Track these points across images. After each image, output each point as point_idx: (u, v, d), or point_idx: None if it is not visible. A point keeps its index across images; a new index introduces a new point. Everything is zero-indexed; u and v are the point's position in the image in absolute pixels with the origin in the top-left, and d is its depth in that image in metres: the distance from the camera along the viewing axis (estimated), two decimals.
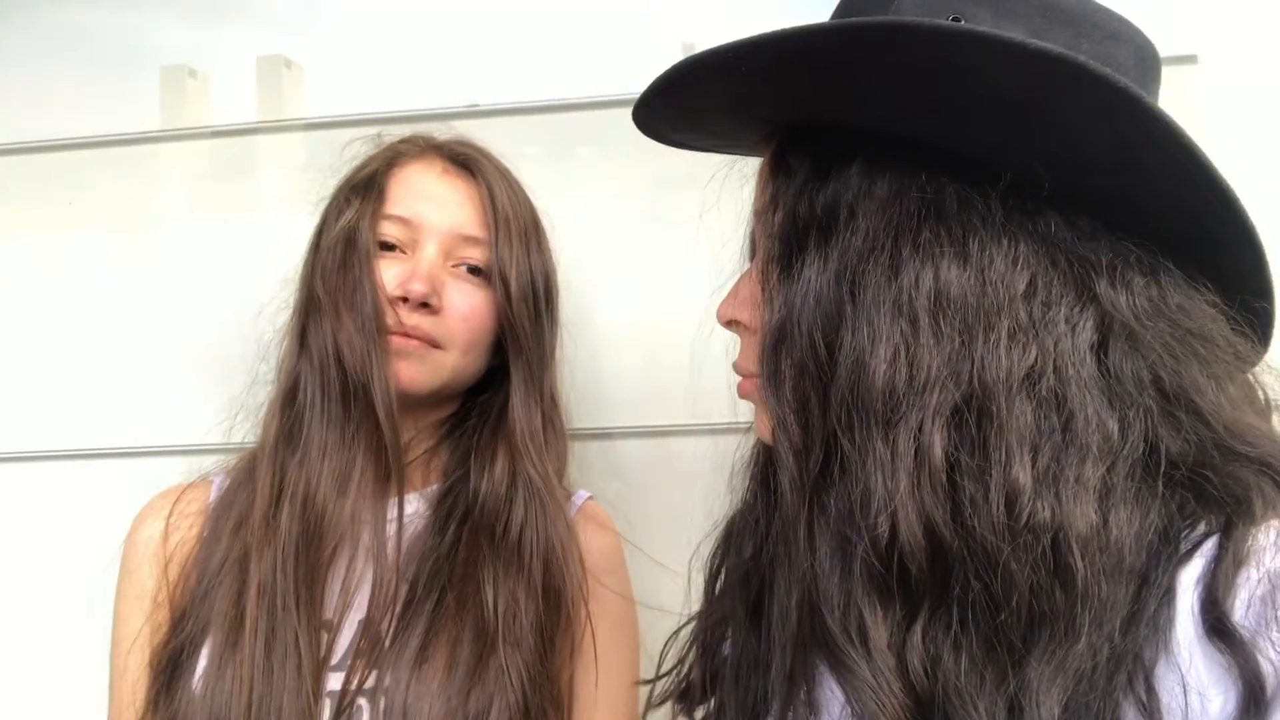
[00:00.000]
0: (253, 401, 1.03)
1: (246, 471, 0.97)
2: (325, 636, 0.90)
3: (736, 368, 0.74)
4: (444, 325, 0.94)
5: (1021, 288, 0.60)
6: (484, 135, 1.05)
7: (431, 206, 0.96)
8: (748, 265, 0.75)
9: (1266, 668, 0.52)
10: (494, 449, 0.97)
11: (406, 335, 0.93)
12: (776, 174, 0.68)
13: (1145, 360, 0.60)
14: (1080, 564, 0.56)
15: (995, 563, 0.57)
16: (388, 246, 0.95)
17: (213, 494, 0.99)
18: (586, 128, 1.21)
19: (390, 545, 0.93)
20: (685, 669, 0.81)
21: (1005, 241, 0.60)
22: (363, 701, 0.88)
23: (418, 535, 0.95)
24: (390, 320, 0.92)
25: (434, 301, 0.93)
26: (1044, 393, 0.58)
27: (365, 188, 0.98)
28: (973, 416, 0.59)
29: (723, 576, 0.81)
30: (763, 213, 0.69)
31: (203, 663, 0.89)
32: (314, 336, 0.95)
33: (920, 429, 0.59)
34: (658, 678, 0.83)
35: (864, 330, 0.61)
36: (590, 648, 0.94)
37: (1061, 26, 0.61)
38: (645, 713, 0.84)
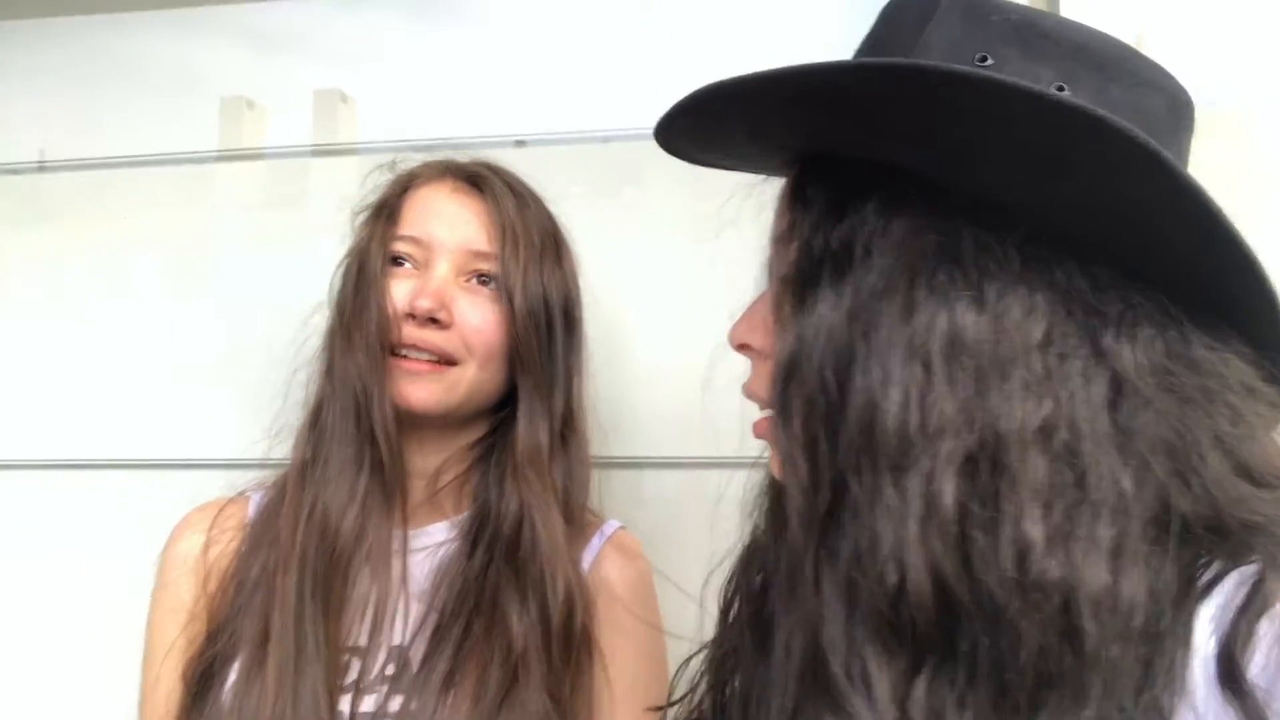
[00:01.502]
0: (292, 421, 1.04)
1: (281, 489, 0.99)
2: (348, 658, 0.91)
3: (745, 391, 0.73)
4: (456, 339, 0.95)
5: (1038, 338, 0.58)
6: (529, 169, 1.06)
7: (441, 224, 0.98)
8: (763, 290, 0.74)
9: None
10: (504, 469, 0.98)
11: (416, 352, 0.94)
12: (794, 204, 0.67)
13: (1152, 417, 0.58)
14: (1091, 626, 0.54)
15: (1003, 619, 0.55)
16: (400, 264, 0.98)
17: (251, 510, 1.01)
18: (631, 161, 1.23)
19: (396, 572, 0.94)
20: (696, 699, 0.80)
21: (1022, 289, 0.59)
22: None
23: (449, 561, 0.96)
24: (395, 337, 0.94)
25: (442, 316, 0.94)
26: (1058, 447, 0.57)
27: (379, 212, 1.01)
28: (985, 466, 0.57)
29: (735, 606, 0.80)
30: (779, 241, 0.69)
31: (233, 676, 0.90)
32: (335, 360, 0.97)
33: (931, 476, 0.57)
34: (669, 705, 0.82)
35: (875, 371, 0.59)
36: (612, 677, 0.94)
37: (1092, 71, 0.60)
38: None
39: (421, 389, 0.94)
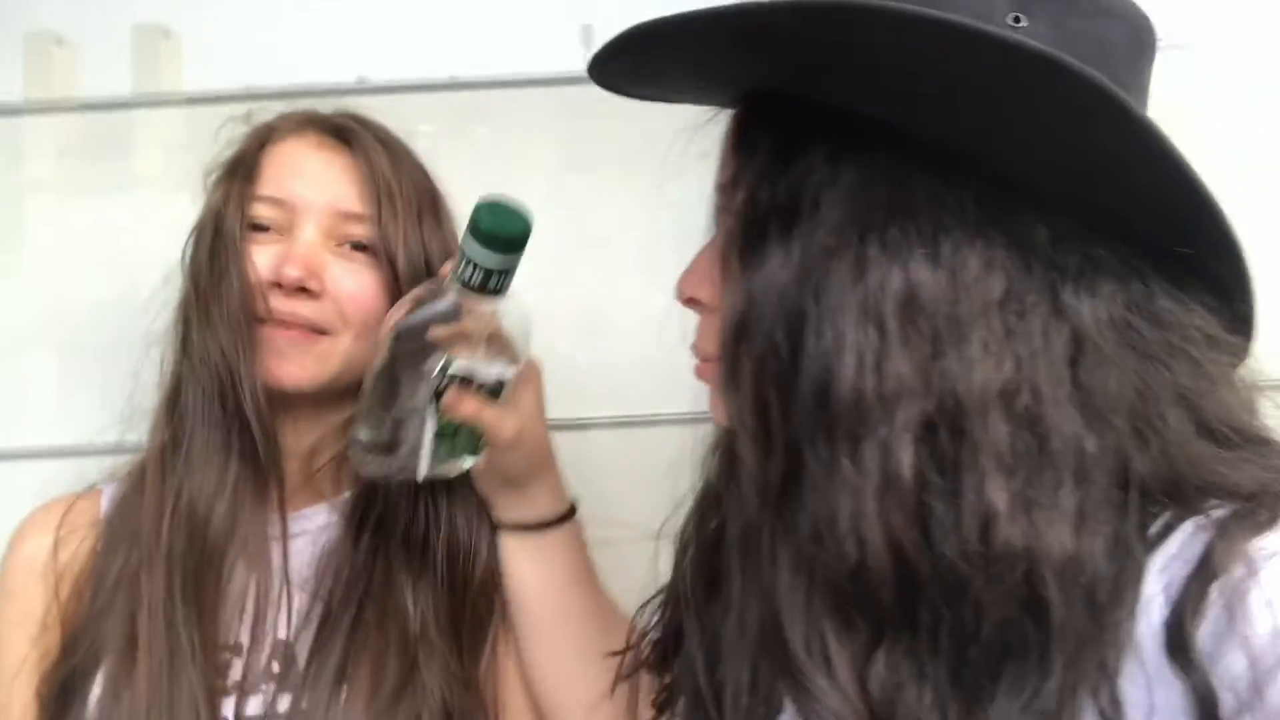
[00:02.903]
0: (133, 401, 0.95)
1: (138, 479, 0.91)
2: (228, 658, 0.85)
3: (695, 349, 0.70)
4: (329, 309, 0.87)
5: (997, 294, 0.56)
6: (376, 112, 0.97)
7: (305, 183, 0.89)
8: (710, 240, 0.70)
9: (1223, 693, 0.49)
10: None
11: (284, 326, 0.86)
12: (738, 150, 0.64)
13: (1113, 374, 0.56)
14: (1055, 596, 0.53)
15: (966, 591, 0.54)
16: (261, 229, 0.89)
17: (104, 505, 0.92)
18: (486, 107, 1.15)
19: (275, 561, 0.87)
20: (646, 646, 0.79)
21: (979, 243, 0.56)
22: None
23: (333, 547, 0.90)
24: (261, 308, 0.86)
25: (313, 285, 0.86)
26: (1019, 410, 0.55)
27: (235, 169, 0.91)
28: (944, 433, 0.55)
29: (689, 553, 0.78)
30: (724, 188, 0.66)
31: (97, 689, 0.83)
32: (192, 334, 0.89)
33: (888, 445, 0.55)
34: (626, 650, 0.81)
35: (828, 334, 0.57)
36: (513, 646, 0.90)
37: (1050, 1, 0.57)
38: (614, 686, 0.81)
39: (291, 364, 0.87)
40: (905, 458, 0.55)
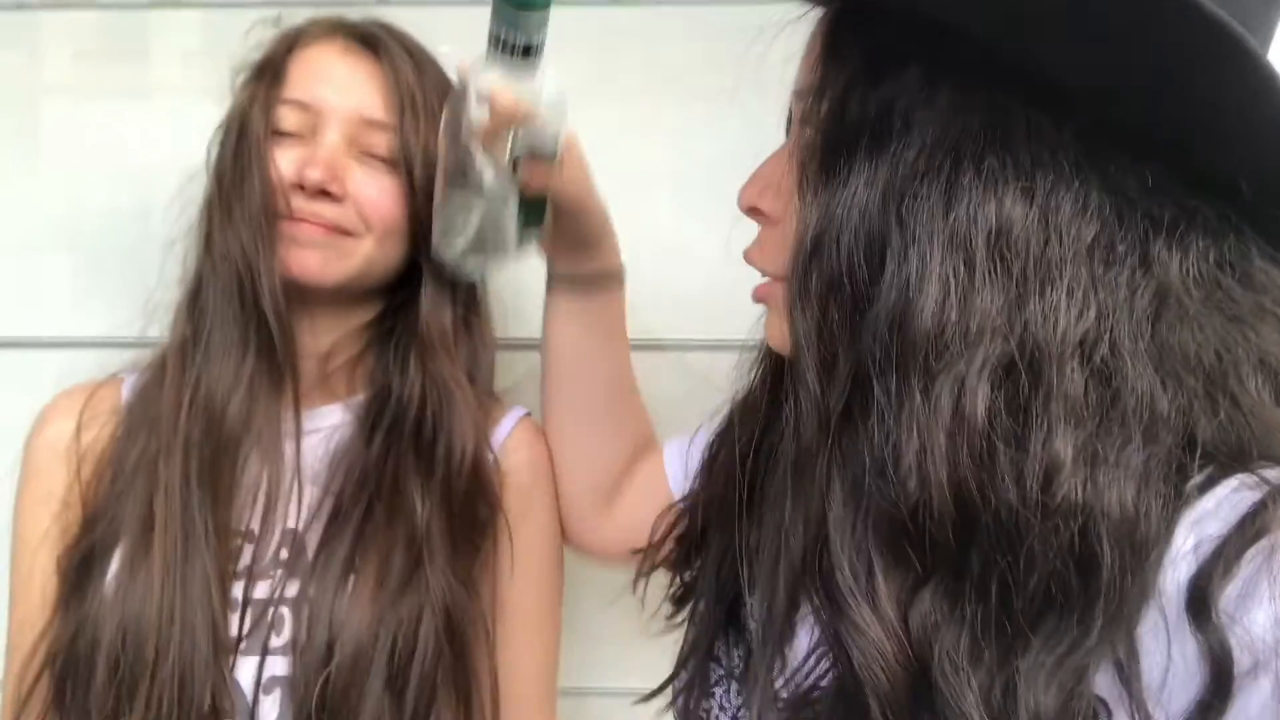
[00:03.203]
0: (154, 299, 0.97)
1: (158, 370, 0.93)
2: (239, 543, 0.88)
3: (748, 257, 0.68)
4: (350, 213, 0.89)
5: (1087, 240, 0.54)
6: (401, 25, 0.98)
7: (330, 89, 0.90)
8: (778, 149, 0.68)
9: (1239, 652, 0.49)
10: (407, 351, 0.94)
11: (305, 221, 0.88)
12: (826, 57, 0.61)
13: (1194, 333, 0.54)
14: (1108, 554, 0.51)
15: (1021, 540, 0.52)
16: (285, 133, 0.90)
17: (125, 393, 0.95)
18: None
19: (288, 455, 0.90)
20: (673, 540, 0.80)
21: (1076, 184, 0.54)
22: (285, 610, 0.87)
23: (345, 446, 0.93)
24: (283, 206, 0.88)
25: (335, 189, 0.88)
26: (1098, 361, 0.53)
27: (261, 72, 0.92)
28: (1021, 377, 0.53)
29: (720, 458, 0.78)
30: (805, 95, 0.62)
31: (115, 565, 0.86)
32: (214, 233, 0.90)
33: (964, 382, 0.53)
34: (648, 548, 0.82)
35: (913, 261, 0.54)
36: (512, 558, 0.93)
37: None
38: (636, 580, 0.84)
39: (312, 256, 0.88)
40: (980, 398, 0.53)
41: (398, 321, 0.96)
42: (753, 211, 0.67)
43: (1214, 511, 0.52)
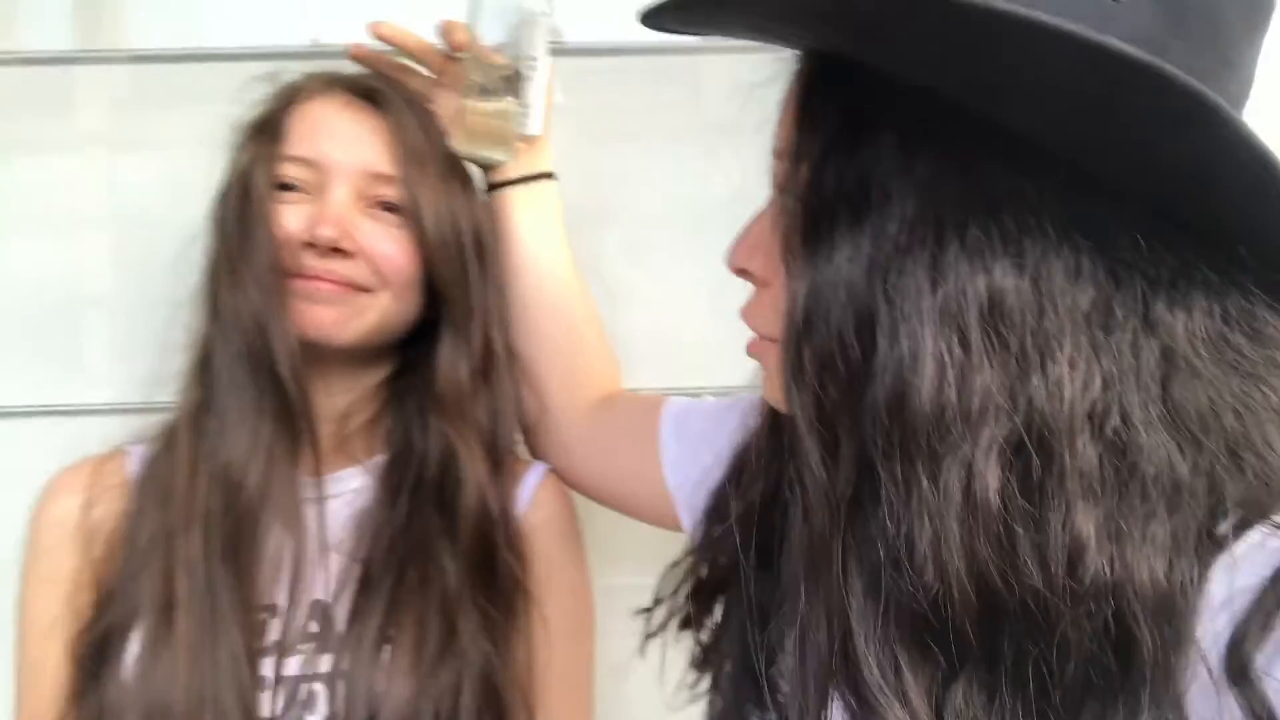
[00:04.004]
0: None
1: (168, 440, 0.90)
2: (264, 618, 0.85)
3: (744, 316, 0.67)
4: (364, 269, 0.88)
5: (1084, 306, 0.52)
6: None
7: (335, 144, 0.89)
8: (763, 209, 0.67)
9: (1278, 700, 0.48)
10: (425, 408, 0.92)
11: (319, 279, 0.86)
12: (802, 121, 0.59)
13: (1207, 393, 0.52)
14: (1146, 635, 0.49)
15: (1052, 625, 0.50)
16: (288, 188, 0.88)
17: (131, 466, 0.91)
18: None
19: (310, 523, 0.88)
20: (681, 598, 0.78)
21: (1065, 248, 0.52)
22: (318, 687, 0.84)
23: (368, 511, 0.90)
24: (292, 264, 0.86)
25: (347, 245, 0.86)
26: (1109, 432, 0.51)
27: (261, 129, 0.90)
28: (1031, 455, 0.51)
29: (728, 511, 0.75)
30: (783, 157, 0.61)
31: (135, 648, 0.83)
32: (221, 296, 0.88)
33: (972, 465, 0.51)
34: (655, 605, 0.80)
35: (904, 341, 0.52)
36: (547, 616, 0.92)
37: None
38: (645, 642, 0.82)
39: (326, 313, 0.87)
40: (991, 480, 0.51)
41: (413, 378, 0.94)
42: (742, 273, 0.66)
43: (1244, 560, 0.50)
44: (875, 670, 0.55)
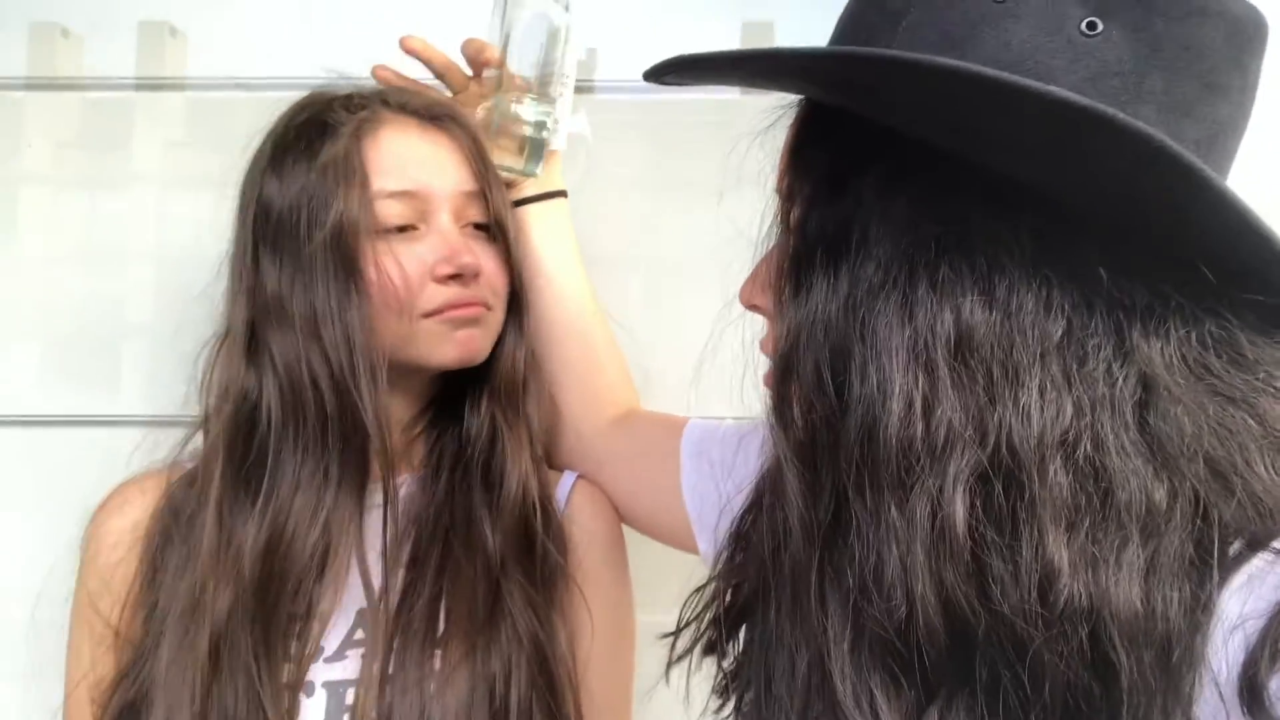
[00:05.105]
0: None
1: (192, 495, 0.88)
2: (289, 696, 0.83)
3: (762, 348, 0.69)
4: (485, 288, 0.89)
5: (1055, 337, 0.53)
6: None
7: (427, 171, 0.88)
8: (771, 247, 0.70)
9: None
10: (479, 392, 0.93)
11: (469, 305, 0.87)
12: (794, 164, 0.62)
13: (1187, 419, 0.53)
14: (1124, 659, 0.50)
15: (1025, 650, 0.51)
16: (391, 230, 0.86)
17: (158, 507, 0.90)
18: None
19: (372, 534, 0.87)
20: (705, 623, 0.78)
21: (1036, 282, 0.53)
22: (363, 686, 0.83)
23: (412, 499, 0.91)
24: (431, 300, 0.86)
25: (479, 268, 0.88)
26: (1081, 460, 0.52)
27: (338, 168, 0.85)
28: (1000, 484, 0.52)
29: (751, 533, 0.76)
30: (780, 196, 0.64)
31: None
32: (285, 349, 0.84)
33: (940, 496, 0.52)
34: (678, 631, 0.80)
35: (873, 376, 0.54)
36: (591, 623, 0.92)
37: (1131, 3, 0.52)
38: (669, 668, 0.81)
39: (477, 336, 0.89)
40: (958, 510, 0.52)
41: (472, 373, 0.94)
42: (754, 308, 0.69)
43: (1254, 584, 0.50)
44: (850, 697, 0.56)
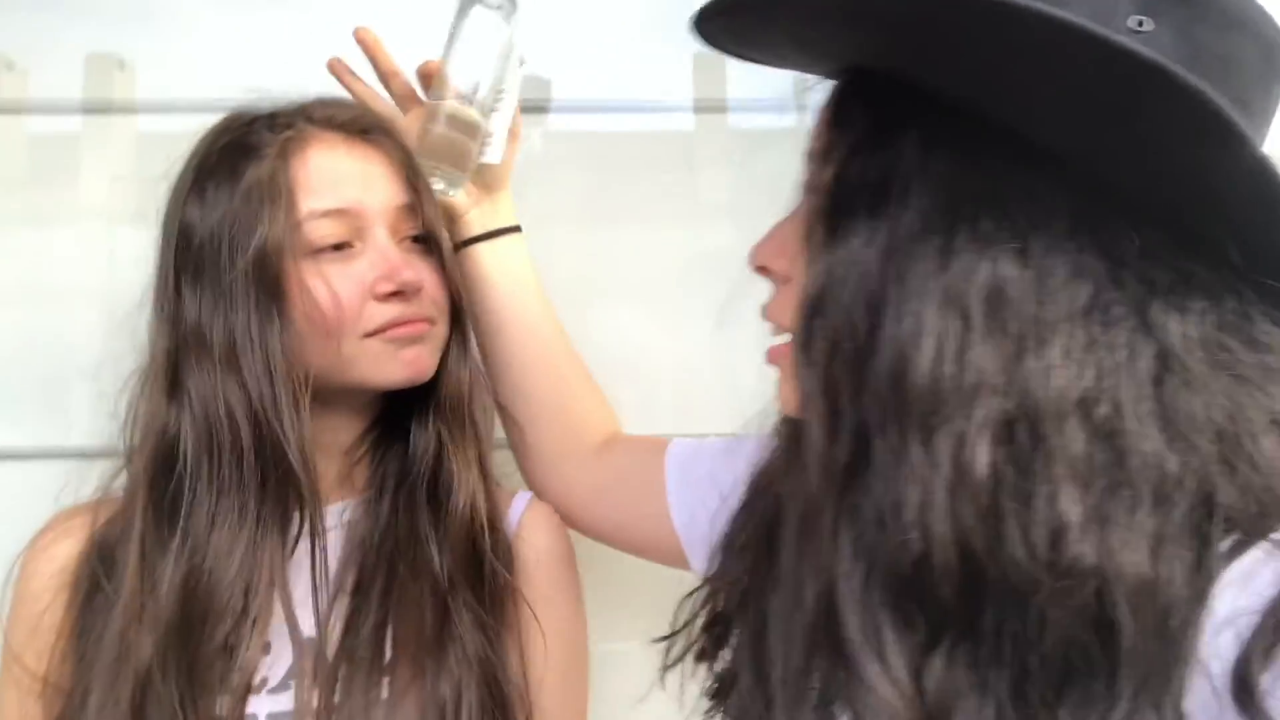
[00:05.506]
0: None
1: (121, 534, 0.85)
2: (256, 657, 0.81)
3: (765, 314, 0.70)
4: (427, 302, 0.88)
5: (1081, 303, 0.54)
6: None
7: (358, 188, 0.85)
8: (791, 211, 0.70)
9: None
10: (425, 410, 0.91)
11: (414, 322, 0.86)
12: (833, 123, 0.63)
13: (1199, 395, 0.54)
14: (1128, 620, 0.50)
15: (1031, 601, 0.52)
16: (324, 250, 0.84)
17: (85, 549, 0.87)
18: None
19: (304, 564, 0.84)
20: (697, 629, 0.78)
21: (1070, 247, 0.55)
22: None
23: (356, 523, 0.89)
24: (373, 320, 0.85)
25: (419, 283, 0.86)
26: (1098, 421, 0.53)
27: (261, 192, 0.82)
28: (1021, 434, 0.53)
29: (743, 536, 0.77)
30: (813, 158, 0.65)
31: None
32: (208, 384, 0.81)
33: (964, 438, 0.53)
34: (671, 635, 0.81)
35: (908, 319, 0.55)
36: (544, 645, 0.90)
37: (1178, 6, 0.54)
38: (664, 672, 0.82)
39: (423, 353, 0.87)
40: (981, 453, 0.53)
41: (416, 391, 0.91)
42: (762, 270, 0.69)
43: (1246, 579, 0.51)
44: (857, 628, 0.57)
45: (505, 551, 0.90)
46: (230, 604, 0.80)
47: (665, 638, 0.81)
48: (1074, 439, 0.53)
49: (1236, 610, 0.51)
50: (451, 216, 0.98)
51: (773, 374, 0.70)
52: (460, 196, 0.98)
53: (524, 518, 0.94)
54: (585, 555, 0.99)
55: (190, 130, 0.94)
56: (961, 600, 0.54)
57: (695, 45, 0.65)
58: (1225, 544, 0.52)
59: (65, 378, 1.12)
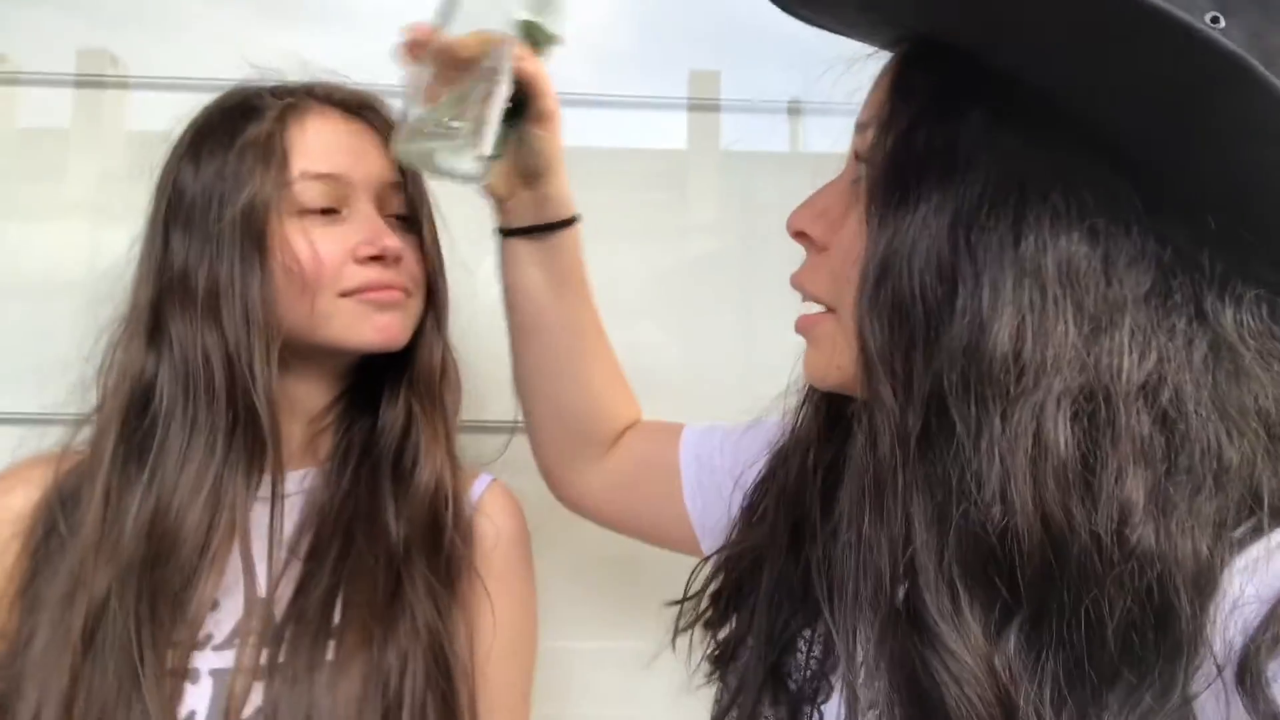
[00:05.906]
0: None
1: (86, 478, 0.85)
2: (171, 682, 0.79)
3: (794, 281, 0.69)
4: (404, 274, 0.90)
5: (1146, 286, 0.55)
6: None
7: (351, 159, 0.89)
8: (834, 179, 0.69)
9: None
10: (396, 385, 0.93)
11: (389, 288, 0.87)
12: (895, 91, 0.62)
13: (1249, 385, 0.55)
14: (1185, 606, 0.50)
15: (1097, 580, 0.52)
16: (311, 211, 0.86)
17: (46, 495, 0.86)
18: None
19: (261, 525, 0.85)
20: (708, 597, 0.78)
21: (1135, 231, 0.55)
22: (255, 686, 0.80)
23: (316, 491, 0.90)
24: (351, 281, 0.86)
25: (400, 252, 0.88)
26: (1163, 406, 0.53)
27: (256, 150, 0.85)
28: (1093, 412, 0.53)
29: (762, 507, 0.77)
30: (869, 126, 0.64)
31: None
32: (180, 329, 0.84)
33: (1044, 410, 0.53)
34: (684, 600, 0.81)
35: (984, 290, 0.55)
36: (493, 621, 0.90)
37: (1252, 6, 0.52)
38: (675, 638, 0.81)
39: (396, 320, 0.88)
40: (1060, 426, 0.53)
41: (388, 365, 0.93)
42: (799, 235, 0.69)
43: (1259, 566, 0.52)
44: (935, 597, 0.56)
45: (465, 528, 0.91)
46: (195, 542, 0.81)
47: (676, 602, 0.82)
48: (1140, 421, 0.53)
49: (1244, 597, 0.51)
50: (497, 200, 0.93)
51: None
52: (484, 180, 0.87)
53: (484, 498, 0.95)
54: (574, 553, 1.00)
55: (181, 126, 0.95)
56: (1039, 576, 0.54)
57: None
58: (1245, 526, 0.53)
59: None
